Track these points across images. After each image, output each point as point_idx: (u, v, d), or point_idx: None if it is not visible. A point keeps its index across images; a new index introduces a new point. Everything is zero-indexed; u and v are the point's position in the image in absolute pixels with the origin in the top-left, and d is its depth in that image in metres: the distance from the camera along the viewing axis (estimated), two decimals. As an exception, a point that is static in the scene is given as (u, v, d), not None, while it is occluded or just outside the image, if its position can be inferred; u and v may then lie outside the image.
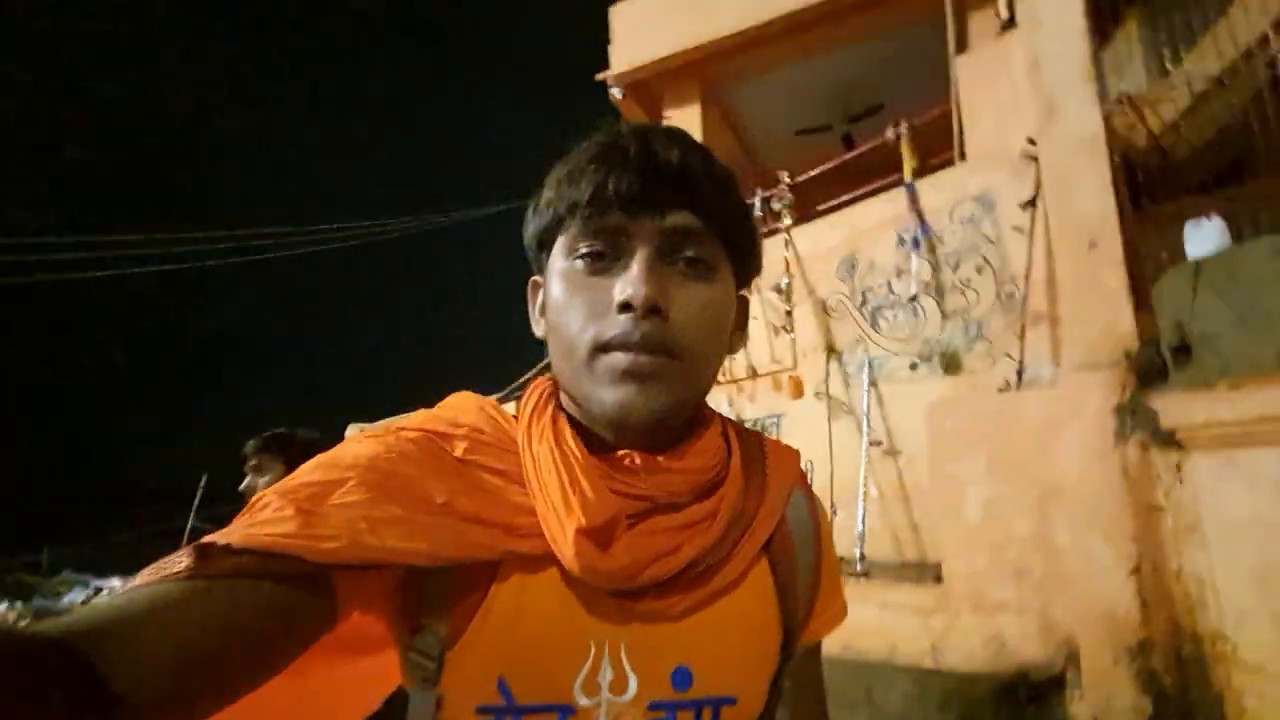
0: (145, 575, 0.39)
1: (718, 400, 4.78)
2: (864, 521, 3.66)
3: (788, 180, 4.80)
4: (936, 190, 3.98)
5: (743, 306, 0.60)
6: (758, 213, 4.96)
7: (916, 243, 3.91)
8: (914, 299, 3.91)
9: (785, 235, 4.60)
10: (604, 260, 0.52)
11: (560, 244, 0.54)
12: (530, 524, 0.51)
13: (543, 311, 0.58)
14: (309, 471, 0.48)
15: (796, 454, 0.64)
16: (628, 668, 0.50)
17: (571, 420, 0.55)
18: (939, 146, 4.33)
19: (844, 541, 3.76)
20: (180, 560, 0.39)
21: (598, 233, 0.51)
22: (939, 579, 3.16)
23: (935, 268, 3.90)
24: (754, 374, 4.62)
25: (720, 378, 4.60)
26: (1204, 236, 2.60)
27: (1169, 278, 2.49)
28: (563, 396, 0.58)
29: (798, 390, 4.31)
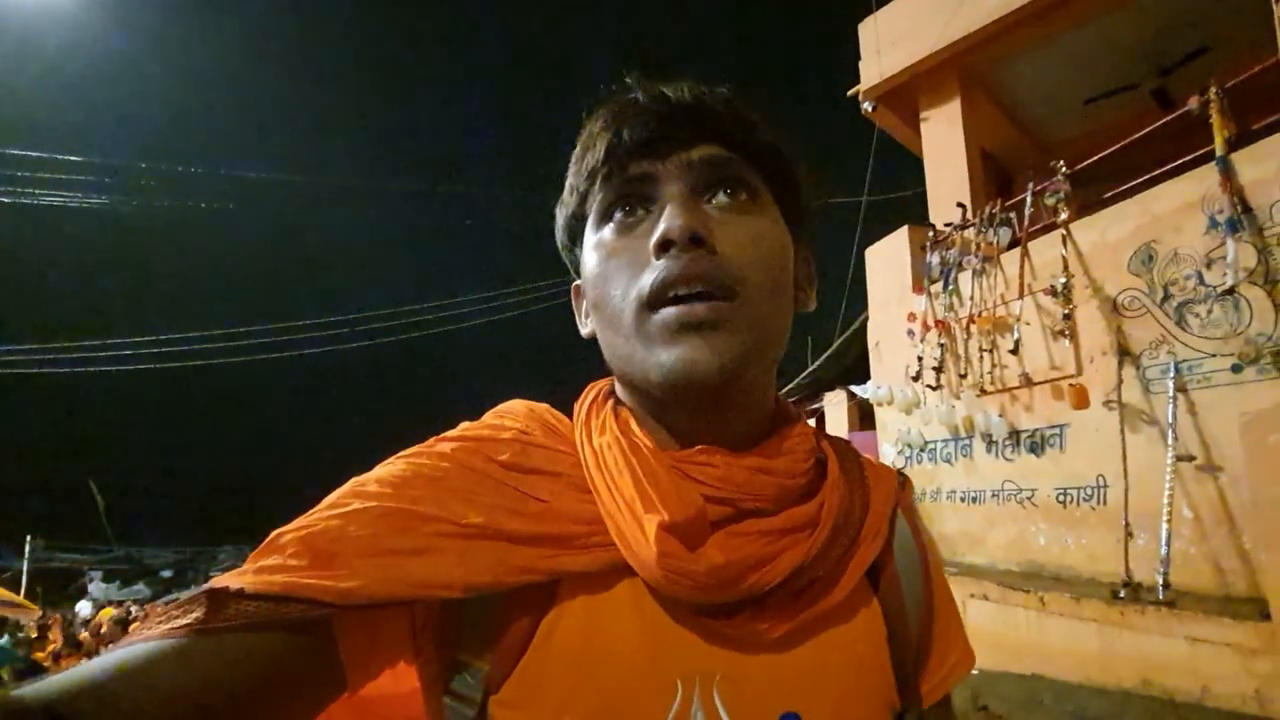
0: (153, 623, 0.36)
1: (987, 408, 4.61)
2: (1168, 545, 3.28)
3: (1064, 170, 4.40)
4: (1261, 161, 3.35)
5: (805, 260, 0.55)
6: (1029, 209, 4.65)
7: (1234, 225, 3.35)
8: (1232, 291, 3.35)
9: (1062, 231, 4.25)
10: (635, 214, 0.47)
11: (590, 220, 0.50)
12: (590, 533, 0.45)
13: (587, 313, 0.53)
14: (330, 501, 0.43)
15: (894, 473, 0.56)
16: (723, 712, 0.42)
17: (635, 414, 0.50)
18: (1259, 109, 3.60)
19: (1144, 567, 3.42)
20: (191, 610, 0.36)
21: (623, 186, 0.47)
22: (1266, 615, 2.75)
23: (1263, 252, 3.30)
24: (1029, 382, 4.35)
25: (989, 386, 4.51)
26: None
27: None
28: (620, 391, 0.53)
29: (1081, 399, 3.96)
